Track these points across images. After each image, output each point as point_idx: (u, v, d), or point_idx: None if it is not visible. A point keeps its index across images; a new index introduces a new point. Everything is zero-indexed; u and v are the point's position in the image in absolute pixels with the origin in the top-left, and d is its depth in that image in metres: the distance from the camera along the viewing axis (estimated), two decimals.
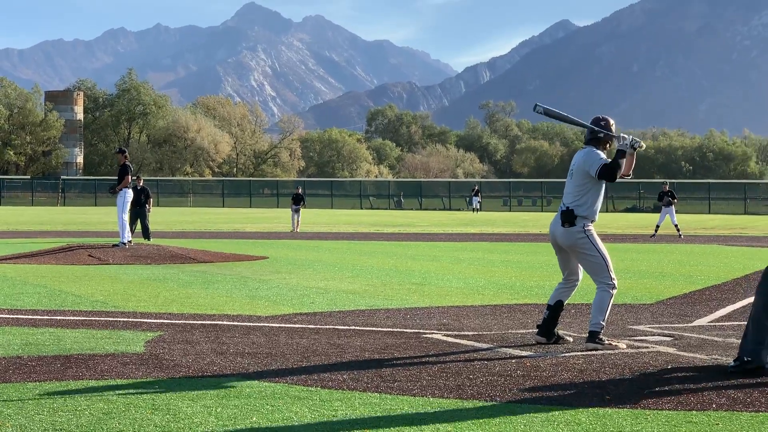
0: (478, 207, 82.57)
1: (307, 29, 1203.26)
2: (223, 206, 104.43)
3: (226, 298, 15.13)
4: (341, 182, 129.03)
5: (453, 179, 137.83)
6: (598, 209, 10.38)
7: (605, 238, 37.79)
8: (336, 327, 11.75)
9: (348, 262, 23.45)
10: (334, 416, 6.91)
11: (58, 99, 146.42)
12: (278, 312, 13.31)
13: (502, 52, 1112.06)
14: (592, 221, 10.30)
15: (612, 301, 10.20)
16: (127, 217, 26.41)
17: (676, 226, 38.25)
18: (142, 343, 10.27)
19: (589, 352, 9.82)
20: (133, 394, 7.63)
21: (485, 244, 33.54)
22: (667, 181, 48.81)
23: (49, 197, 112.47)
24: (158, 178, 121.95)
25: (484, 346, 10.26)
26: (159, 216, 36.07)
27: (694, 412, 7.11)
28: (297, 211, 43.03)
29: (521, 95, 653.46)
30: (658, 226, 38.95)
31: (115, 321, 12.18)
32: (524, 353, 9.79)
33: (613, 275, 10.24)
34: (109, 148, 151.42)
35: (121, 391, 7.73)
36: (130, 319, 12.36)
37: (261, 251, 27.16)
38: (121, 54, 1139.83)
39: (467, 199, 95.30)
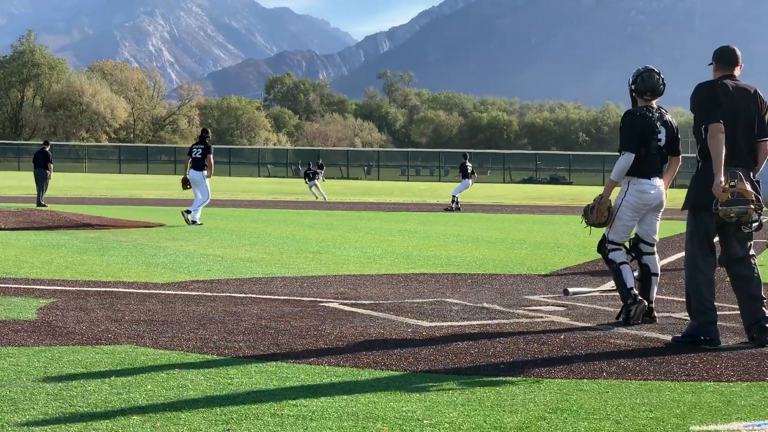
0: (316, 184, 71.69)
1: None
2: (120, 172, 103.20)
3: (121, 264, 14.96)
4: (240, 150, 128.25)
5: (351, 148, 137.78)
6: None
7: (502, 208, 38.22)
8: (232, 295, 11.70)
9: (245, 229, 23.36)
10: (229, 384, 6.89)
11: None
12: (175, 279, 13.21)
13: (402, 22, 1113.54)
14: None
15: None
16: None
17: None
18: (34, 310, 10.12)
19: (483, 322, 9.92)
20: (24, 362, 7.52)
21: (382, 213, 33.65)
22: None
23: None
24: (52, 143, 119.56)
25: (381, 315, 10.30)
26: (53, 182, 35.57)
27: (585, 380, 7.22)
28: (314, 185, 44.21)
29: (421, 65, 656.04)
30: None
31: (6, 287, 11.97)
32: (420, 322, 9.85)
33: None
34: (1, 111, 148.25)
35: (12, 359, 7.60)
36: (22, 286, 12.16)
37: (158, 218, 26.91)
38: (15, 15, 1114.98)
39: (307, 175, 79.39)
